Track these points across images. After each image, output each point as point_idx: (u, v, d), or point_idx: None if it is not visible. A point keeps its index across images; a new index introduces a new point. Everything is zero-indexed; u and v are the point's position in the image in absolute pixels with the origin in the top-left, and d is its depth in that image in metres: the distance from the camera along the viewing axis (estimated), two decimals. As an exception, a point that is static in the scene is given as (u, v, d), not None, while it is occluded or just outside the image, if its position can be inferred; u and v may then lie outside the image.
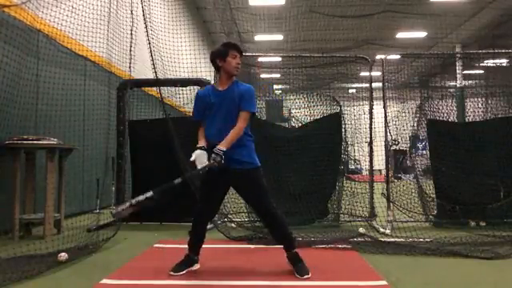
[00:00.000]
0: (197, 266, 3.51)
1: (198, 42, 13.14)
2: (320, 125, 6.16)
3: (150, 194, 3.17)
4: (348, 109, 6.64)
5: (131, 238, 4.96)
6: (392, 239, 4.73)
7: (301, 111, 6.64)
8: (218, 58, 3.42)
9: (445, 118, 6.23)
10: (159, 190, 3.19)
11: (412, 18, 14.35)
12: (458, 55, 12.53)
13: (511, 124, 5.99)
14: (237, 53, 3.41)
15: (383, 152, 6.21)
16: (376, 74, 6.59)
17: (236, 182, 3.47)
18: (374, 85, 6.41)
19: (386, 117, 5.99)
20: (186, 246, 3.51)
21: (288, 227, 3.47)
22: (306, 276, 3.24)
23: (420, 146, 8.18)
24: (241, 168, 3.34)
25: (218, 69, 3.47)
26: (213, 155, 3.19)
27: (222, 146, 3.21)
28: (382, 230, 5.31)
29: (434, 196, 5.96)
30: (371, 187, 6.14)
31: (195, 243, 3.48)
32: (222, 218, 5.72)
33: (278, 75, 14.24)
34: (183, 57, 6.27)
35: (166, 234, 5.23)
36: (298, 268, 3.32)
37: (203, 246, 3.51)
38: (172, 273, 3.36)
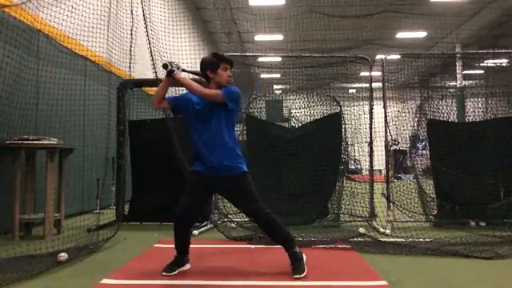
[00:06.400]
0: (187, 266, 3.49)
1: (198, 42, 13.14)
2: (320, 125, 6.16)
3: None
4: (348, 109, 6.63)
5: (131, 238, 4.96)
6: (392, 239, 4.73)
7: (301, 111, 6.63)
8: (208, 69, 3.38)
9: (445, 118, 6.23)
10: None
11: (412, 17, 14.35)
12: (458, 55, 12.52)
13: (511, 124, 5.99)
14: (228, 65, 3.39)
15: (383, 152, 6.20)
16: (376, 73, 6.59)
17: (223, 188, 3.46)
18: (374, 85, 6.41)
19: (386, 117, 5.99)
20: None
21: (284, 227, 3.44)
22: (296, 275, 3.21)
23: (420, 146, 8.19)
24: (226, 174, 3.31)
25: (207, 79, 3.42)
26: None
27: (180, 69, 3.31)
28: (382, 229, 5.31)
29: (434, 196, 5.96)
30: (371, 187, 6.14)
31: (181, 245, 3.45)
32: (221, 217, 5.72)
33: (278, 75, 14.26)
34: (183, 57, 6.26)
35: (166, 234, 5.19)
36: (293, 266, 3.30)
37: (204, 246, 3.51)
38: (164, 273, 3.34)
